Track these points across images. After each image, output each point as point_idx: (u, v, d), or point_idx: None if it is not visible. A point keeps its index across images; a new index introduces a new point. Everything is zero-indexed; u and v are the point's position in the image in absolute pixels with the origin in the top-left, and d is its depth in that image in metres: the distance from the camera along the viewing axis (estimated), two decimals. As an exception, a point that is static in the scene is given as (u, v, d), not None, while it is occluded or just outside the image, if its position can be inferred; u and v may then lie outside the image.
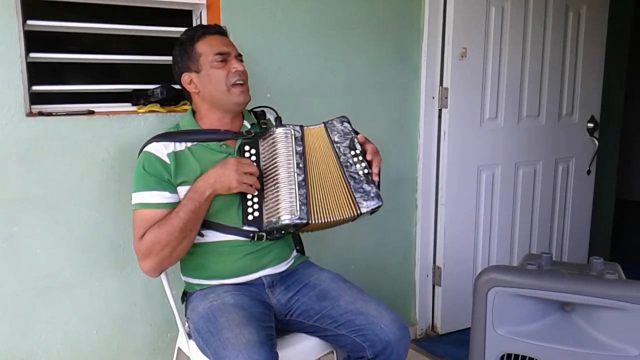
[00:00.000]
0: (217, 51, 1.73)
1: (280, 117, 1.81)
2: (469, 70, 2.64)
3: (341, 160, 1.72)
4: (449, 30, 2.57)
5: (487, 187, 2.80)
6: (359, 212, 1.69)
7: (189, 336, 1.75)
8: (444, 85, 2.63)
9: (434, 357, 2.64)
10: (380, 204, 1.71)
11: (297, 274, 1.82)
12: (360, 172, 1.72)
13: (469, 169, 2.73)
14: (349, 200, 1.69)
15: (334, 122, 1.78)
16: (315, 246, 2.15)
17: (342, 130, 1.77)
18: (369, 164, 1.74)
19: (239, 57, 1.78)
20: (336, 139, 1.75)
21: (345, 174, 1.71)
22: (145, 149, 1.71)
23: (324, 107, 2.37)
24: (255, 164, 1.69)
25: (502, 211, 2.87)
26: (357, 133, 1.78)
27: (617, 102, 3.54)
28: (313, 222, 1.64)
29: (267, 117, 1.90)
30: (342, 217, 1.69)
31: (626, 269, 1.77)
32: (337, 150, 1.73)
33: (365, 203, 1.69)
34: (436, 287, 2.81)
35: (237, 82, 1.73)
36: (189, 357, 1.77)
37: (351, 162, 1.73)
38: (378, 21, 2.47)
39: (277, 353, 1.52)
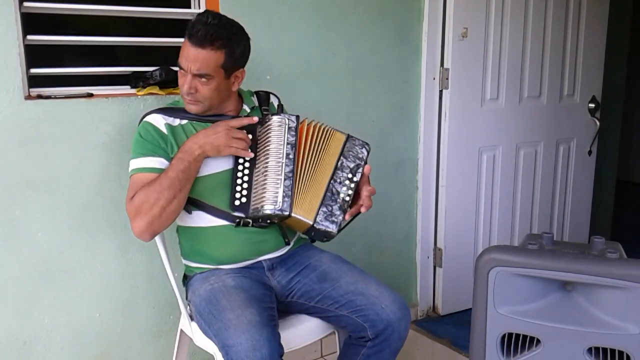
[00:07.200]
0: None
1: (282, 105, 1.79)
2: (470, 51, 2.62)
3: (336, 172, 1.70)
4: (450, 9, 2.55)
5: (488, 168, 2.80)
6: (312, 222, 1.65)
7: (191, 318, 1.76)
8: (445, 66, 2.61)
9: (435, 338, 2.65)
10: (333, 233, 1.67)
11: (297, 256, 1.83)
12: (342, 195, 1.69)
13: (469, 150, 2.73)
14: (313, 206, 1.66)
15: (356, 141, 1.76)
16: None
17: (357, 152, 1.74)
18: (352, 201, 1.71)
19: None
20: (346, 154, 1.72)
21: (328, 184, 1.68)
22: (144, 119, 1.72)
23: (324, 90, 2.36)
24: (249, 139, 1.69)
25: (503, 192, 2.86)
26: (366, 164, 1.75)
27: (618, 82, 3.52)
28: (295, 215, 1.63)
29: (270, 102, 1.88)
30: (304, 220, 1.65)
31: (627, 249, 1.77)
32: (339, 162, 1.71)
33: (323, 221, 1.66)
34: (437, 268, 2.82)
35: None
36: (191, 339, 1.79)
37: (341, 180, 1.70)
38: (378, 1, 2.44)
39: (279, 334, 1.53)
